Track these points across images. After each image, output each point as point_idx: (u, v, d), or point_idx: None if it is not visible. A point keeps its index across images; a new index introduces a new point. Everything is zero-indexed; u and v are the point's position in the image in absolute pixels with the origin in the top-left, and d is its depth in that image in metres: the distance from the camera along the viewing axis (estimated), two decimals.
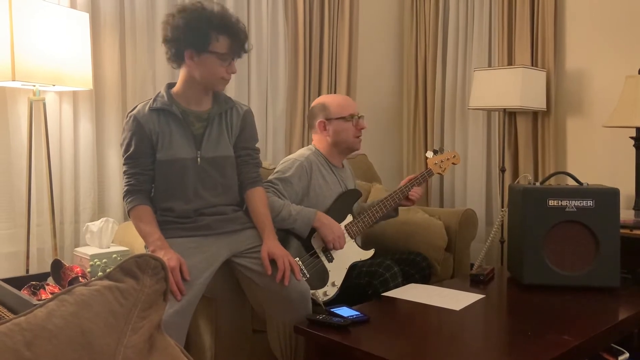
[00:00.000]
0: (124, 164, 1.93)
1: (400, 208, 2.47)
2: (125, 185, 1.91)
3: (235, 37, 1.89)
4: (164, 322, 1.64)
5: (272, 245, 1.91)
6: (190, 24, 1.84)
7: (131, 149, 1.89)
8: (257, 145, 2.11)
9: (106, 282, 0.73)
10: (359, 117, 2.32)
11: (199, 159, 1.92)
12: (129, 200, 1.90)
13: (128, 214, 1.92)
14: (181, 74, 1.94)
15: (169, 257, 1.75)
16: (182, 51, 1.88)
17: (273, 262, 1.87)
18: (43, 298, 1.86)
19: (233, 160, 2.01)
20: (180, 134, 1.91)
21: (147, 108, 1.90)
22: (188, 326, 1.77)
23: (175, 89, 1.96)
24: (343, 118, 2.29)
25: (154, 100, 1.92)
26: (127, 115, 1.93)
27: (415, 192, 2.36)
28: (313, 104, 2.40)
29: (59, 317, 0.64)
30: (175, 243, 1.84)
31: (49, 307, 0.66)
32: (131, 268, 0.75)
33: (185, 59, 1.89)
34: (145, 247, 1.88)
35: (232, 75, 2.94)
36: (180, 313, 1.71)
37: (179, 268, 1.74)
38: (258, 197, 2.03)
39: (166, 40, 1.90)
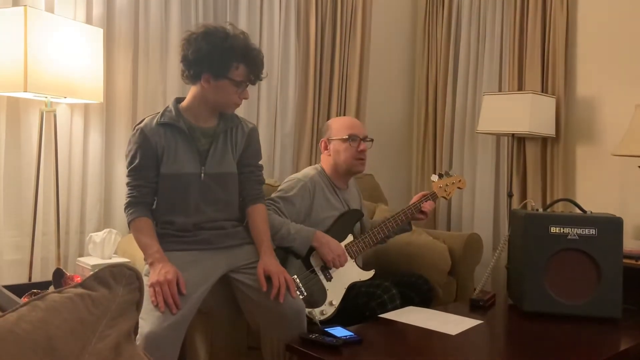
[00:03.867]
0: (127, 176, 1.95)
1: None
2: (128, 197, 1.94)
3: (254, 67, 1.94)
4: (158, 335, 1.68)
5: (268, 261, 1.91)
6: (214, 50, 1.86)
7: (136, 162, 1.92)
8: (260, 162, 2.14)
9: (79, 290, 0.75)
10: (362, 140, 2.32)
11: (202, 175, 1.94)
12: (130, 212, 1.92)
13: (128, 225, 1.94)
14: (192, 91, 1.97)
15: (166, 270, 1.77)
16: (200, 74, 1.91)
17: (269, 278, 1.88)
18: None
19: (236, 177, 2.03)
20: (186, 149, 1.94)
21: (154, 122, 1.93)
22: (182, 340, 1.77)
23: (183, 104, 1.99)
24: (341, 139, 2.31)
25: (162, 114, 1.95)
26: (134, 128, 1.96)
27: (429, 204, 2.36)
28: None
29: (27, 322, 0.66)
30: (173, 256, 1.85)
31: (20, 312, 0.68)
32: (105, 277, 0.77)
33: (201, 81, 1.92)
34: (145, 259, 1.89)
35: None
36: (174, 326, 1.71)
37: (175, 281, 1.75)
38: (258, 214, 2.05)
39: (186, 61, 1.92)
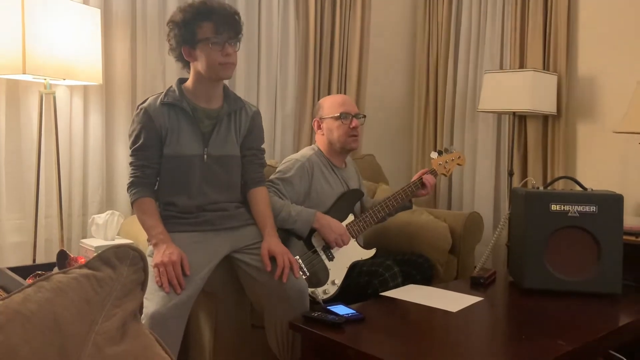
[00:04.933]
0: (130, 155, 1.95)
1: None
2: (131, 177, 1.94)
3: (218, 19, 1.88)
4: (163, 315, 1.69)
5: (272, 242, 1.92)
6: (175, 22, 1.90)
7: (139, 141, 1.92)
8: (263, 146, 2.14)
9: (84, 271, 0.76)
10: (354, 116, 2.32)
11: (205, 156, 1.94)
12: (133, 191, 1.92)
13: (131, 205, 1.95)
14: (191, 72, 1.98)
15: (170, 251, 1.78)
16: (180, 52, 1.92)
17: (272, 259, 1.89)
18: None
19: (239, 159, 2.03)
20: (189, 130, 1.93)
21: (158, 102, 1.93)
22: (187, 320, 1.79)
23: (186, 85, 1.99)
24: (333, 117, 2.31)
25: (166, 94, 1.94)
26: (138, 108, 1.95)
27: (430, 178, 2.36)
28: None
29: (33, 303, 0.67)
30: (177, 237, 1.86)
31: (26, 293, 0.69)
32: (110, 258, 0.78)
33: (185, 58, 1.93)
34: (148, 240, 1.90)
35: (242, 73, 3.03)
36: (179, 307, 1.73)
37: (179, 262, 1.77)
38: (260, 197, 2.06)
39: (169, 50, 1.97)
